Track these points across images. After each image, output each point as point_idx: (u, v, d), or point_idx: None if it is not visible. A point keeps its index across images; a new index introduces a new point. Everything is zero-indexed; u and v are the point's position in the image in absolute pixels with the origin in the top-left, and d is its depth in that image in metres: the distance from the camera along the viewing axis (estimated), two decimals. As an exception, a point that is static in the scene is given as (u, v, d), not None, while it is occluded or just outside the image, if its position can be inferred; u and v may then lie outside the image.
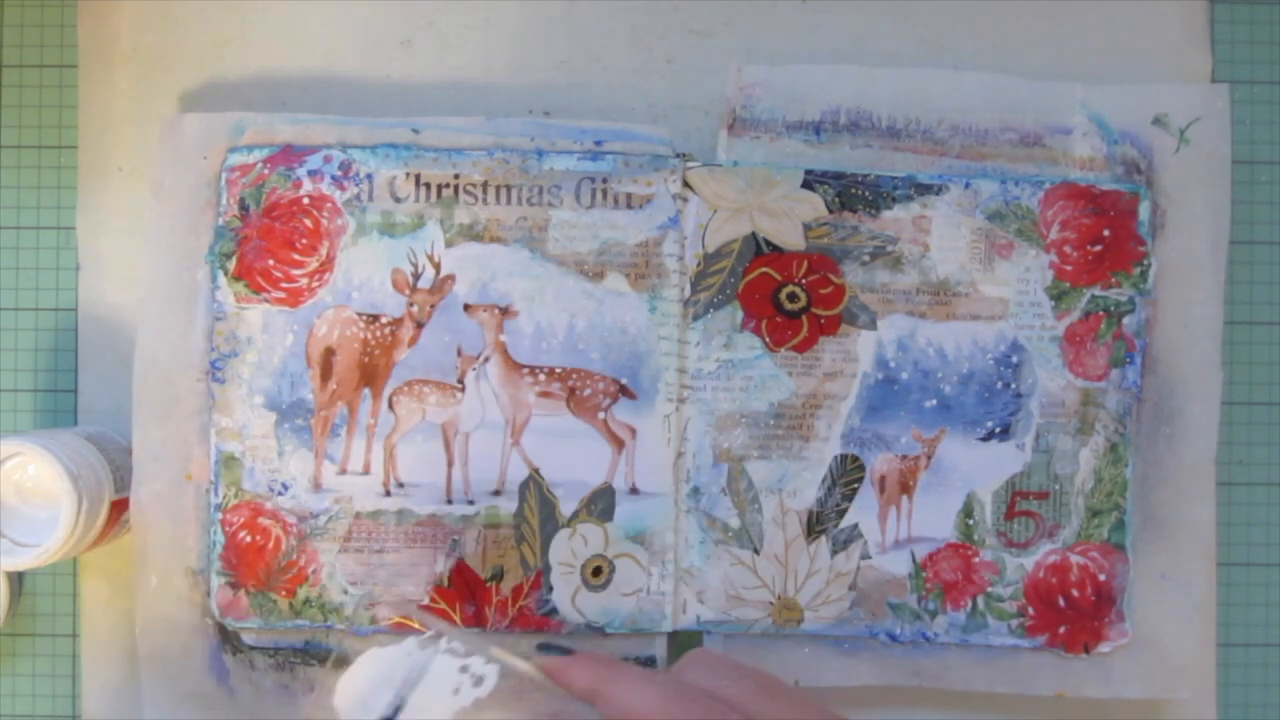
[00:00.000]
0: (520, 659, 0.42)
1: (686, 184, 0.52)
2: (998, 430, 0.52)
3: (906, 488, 0.52)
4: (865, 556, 0.52)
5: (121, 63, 0.54)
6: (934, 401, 0.52)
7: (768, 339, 0.52)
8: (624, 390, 0.52)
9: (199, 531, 0.52)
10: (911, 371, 0.52)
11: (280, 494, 0.51)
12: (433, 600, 0.51)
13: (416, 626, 0.51)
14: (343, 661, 0.44)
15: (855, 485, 0.52)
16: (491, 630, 0.51)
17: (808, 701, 0.39)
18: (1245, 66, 0.56)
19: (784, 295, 0.52)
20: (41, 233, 0.55)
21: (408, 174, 0.52)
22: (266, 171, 0.51)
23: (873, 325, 0.52)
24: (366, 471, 0.52)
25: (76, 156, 0.54)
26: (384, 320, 0.52)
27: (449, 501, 0.52)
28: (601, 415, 0.52)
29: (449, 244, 0.52)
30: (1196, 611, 0.52)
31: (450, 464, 0.52)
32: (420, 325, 0.52)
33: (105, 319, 0.54)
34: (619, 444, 0.52)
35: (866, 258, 0.52)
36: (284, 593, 0.51)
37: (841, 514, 0.52)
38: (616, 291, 0.52)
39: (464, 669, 0.42)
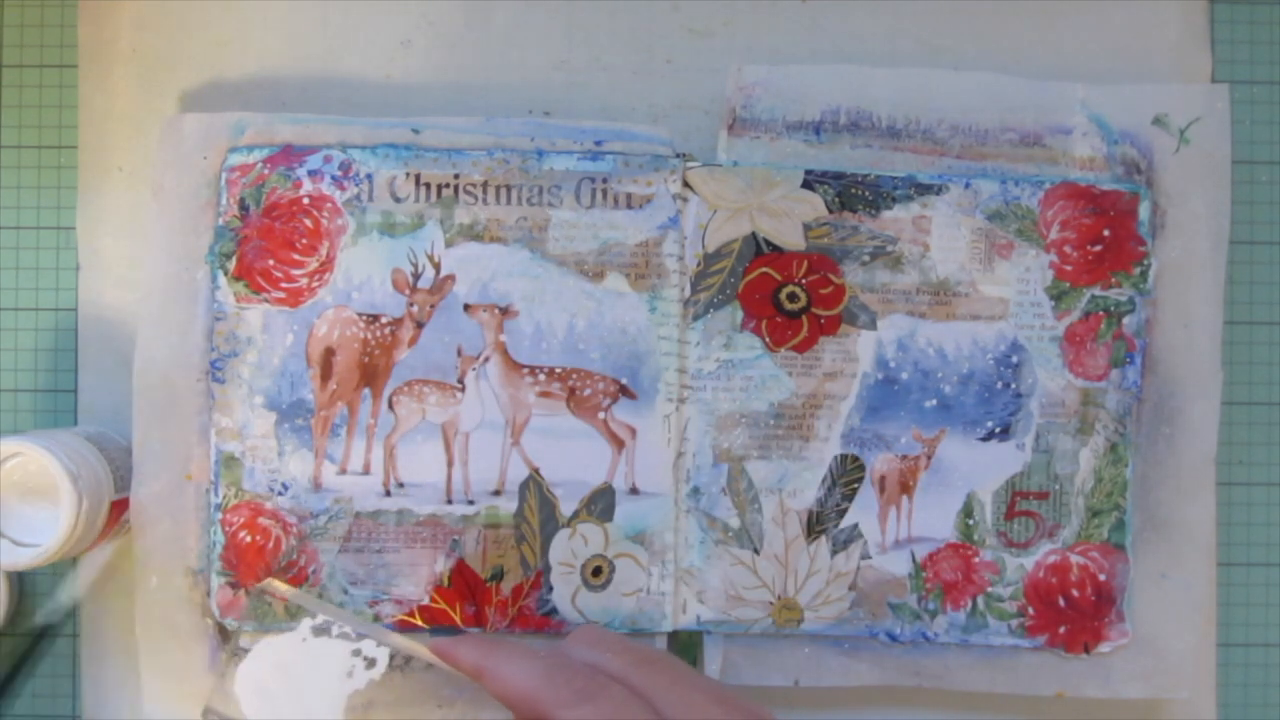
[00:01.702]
0: (411, 641, 0.43)
1: (686, 184, 0.52)
2: (998, 430, 0.52)
3: (906, 488, 0.52)
4: (865, 556, 0.52)
5: (121, 63, 0.54)
6: (934, 401, 0.52)
7: (768, 339, 0.52)
8: (624, 390, 0.52)
9: (199, 531, 0.52)
10: (911, 371, 0.52)
11: (280, 494, 0.51)
12: (433, 600, 0.51)
13: (418, 624, 0.51)
14: (241, 650, 0.45)
15: (855, 485, 0.52)
16: (491, 631, 0.51)
17: (691, 674, 0.39)
18: (1245, 66, 0.56)
19: (784, 295, 0.52)
20: (41, 233, 0.55)
21: (408, 174, 0.52)
22: (266, 171, 0.51)
23: (873, 325, 0.52)
24: (366, 471, 0.52)
25: (76, 156, 0.54)
26: (384, 320, 0.52)
27: (449, 501, 0.52)
28: (601, 415, 0.52)
29: (449, 244, 0.52)
30: (1196, 611, 0.52)
31: (450, 464, 0.52)
32: (420, 325, 0.52)
33: (105, 319, 0.54)
34: (619, 444, 0.52)
35: (866, 258, 0.52)
36: (284, 593, 0.51)
37: (841, 514, 0.52)
38: (616, 291, 0.52)
39: (356, 652, 0.43)
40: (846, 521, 0.52)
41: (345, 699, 0.43)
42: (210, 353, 0.51)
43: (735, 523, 0.52)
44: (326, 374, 0.52)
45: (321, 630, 0.44)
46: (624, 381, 0.52)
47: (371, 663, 0.44)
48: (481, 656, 0.40)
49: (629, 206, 0.52)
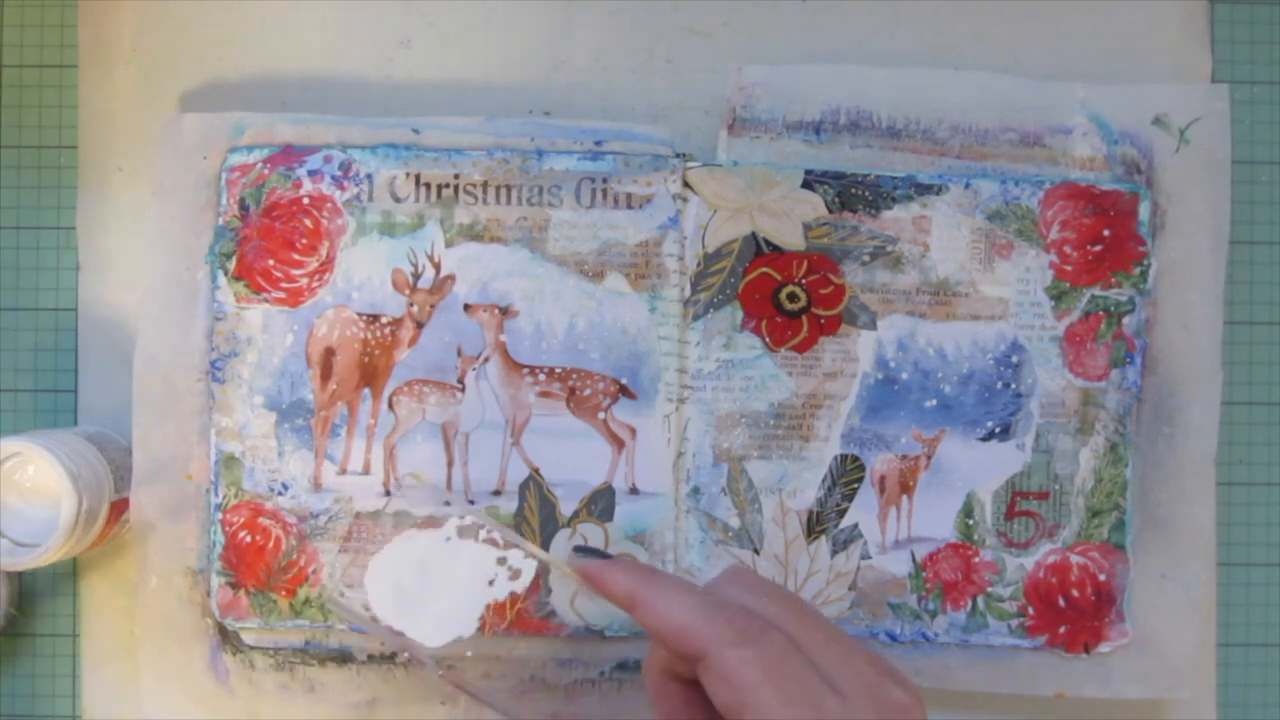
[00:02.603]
0: (561, 561, 0.41)
1: (686, 184, 0.52)
2: (998, 430, 0.52)
3: (906, 488, 0.52)
4: (865, 556, 0.52)
5: (121, 63, 0.54)
6: (934, 401, 0.52)
7: (768, 339, 0.52)
8: (624, 390, 0.52)
9: (199, 531, 0.52)
10: (911, 371, 0.52)
11: (280, 494, 0.51)
12: (433, 600, 0.51)
13: None
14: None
15: (855, 485, 0.52)
16: (490, 633, 0.51)
17: (843, 634, 0.38)
18: (1245, 66, 0.56)
19: (784, 295, 0.52)
20: (41, 233, 0.55)
21: (408, 174, 0.52)
22: (266, 171, 0.51)
23: (873, 325, 0.52)
24: (366, 471, 0.52)
25: (76, 156, 0.54)
26: (384, 320, 0.52)
27: (449, 502, 0.52)
28: (601, 415, 0.52)
29: (449, 244, 0.52)
30: (1196, 611, 0.52)
31: (450, 464, 0.52)
32: (420, 325, 0.52)
33: (105, 319, 0.54)
34: (619, 444, 0.52)
35: (866, 258, 0.52)
36: (284, 593, 0.51)
37: (841, 514, 0.52)
38: (616, 291, 0.52)
39: (502, 560, 0.41)
40: (846, 521, 0.52)
41: (484, 608, 0.41)
42: (210, 353, 0.51)
43: (735, 523, 0.52)
44: (326, 374, 0.52)
45: (468, 532, 0.42)
46: (624, 381, 0.52)
47: (516, 574, 0.41)
48: (637, 585, 0.38)
49: (629, 206, 0.52)
